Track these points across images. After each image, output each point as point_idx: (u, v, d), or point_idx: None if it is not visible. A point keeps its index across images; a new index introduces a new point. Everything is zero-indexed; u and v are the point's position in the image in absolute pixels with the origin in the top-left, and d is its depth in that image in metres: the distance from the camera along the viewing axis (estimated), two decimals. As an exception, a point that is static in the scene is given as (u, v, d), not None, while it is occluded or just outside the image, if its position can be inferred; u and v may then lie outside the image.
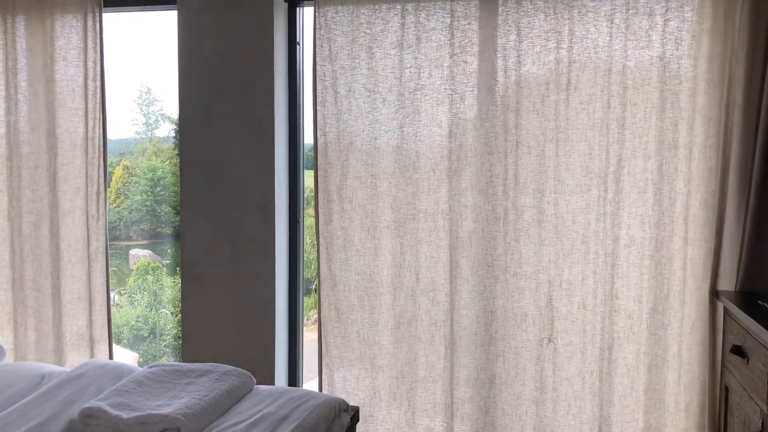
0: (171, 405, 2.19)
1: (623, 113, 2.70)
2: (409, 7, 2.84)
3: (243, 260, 3.13)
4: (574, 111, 2.74)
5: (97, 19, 3.18)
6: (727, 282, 2.67)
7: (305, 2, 3.11)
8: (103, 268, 3.26)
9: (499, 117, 2.81)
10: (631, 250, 2.75)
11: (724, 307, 2.55)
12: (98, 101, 3.21)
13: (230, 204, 3.12)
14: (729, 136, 2.61)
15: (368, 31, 2.88)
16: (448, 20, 2.81)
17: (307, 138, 3.22)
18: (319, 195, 2.99)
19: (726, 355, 2.53)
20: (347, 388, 3.05)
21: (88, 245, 3.28)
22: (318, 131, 2.96)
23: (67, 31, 3.23)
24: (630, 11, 2.66)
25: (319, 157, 2.98)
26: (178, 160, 3.21)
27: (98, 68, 3.19)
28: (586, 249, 2.79)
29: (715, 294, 2.65)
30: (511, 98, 2.79)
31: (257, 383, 2.59)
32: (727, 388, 2.54)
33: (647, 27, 2.66)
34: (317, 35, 2.92)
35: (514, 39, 2.75)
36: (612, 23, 2.68)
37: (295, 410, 2.27)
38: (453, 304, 2.92)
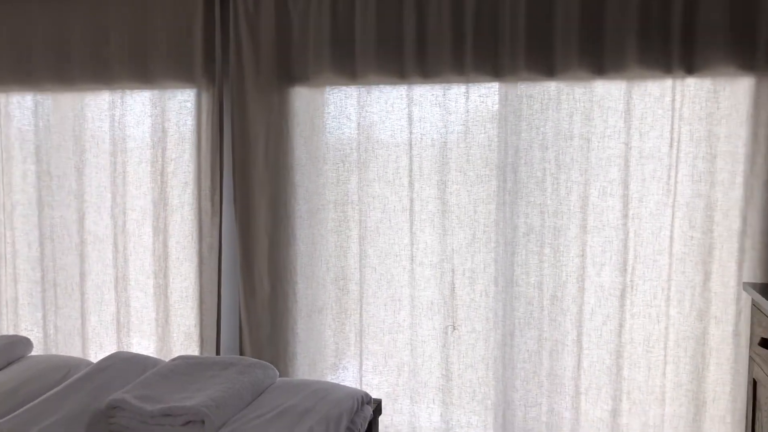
0: (195, 397, 2.20)
1: (519, 105, 2.79)
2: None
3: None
4: (474, 104, 2.83)
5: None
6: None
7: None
8: (216, 266, 3.07)
9: (404, 110, 2.90)
10: (529, 239, 2.83)
11: (752, 299, 2.44)
12: (214, 92, 3.02)
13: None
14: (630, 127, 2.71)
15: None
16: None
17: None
18: (236, 189, 3.07)
19: (754, 347, 2.40)
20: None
21: (200, 241, 3.09)
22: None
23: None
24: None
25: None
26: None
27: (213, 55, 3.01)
28: (487, 238, 2.87)
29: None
30: (415, 92, 2.88)
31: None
32: (755, 382, 2.41)
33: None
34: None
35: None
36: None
37: (318, 403, 2.29)
38: (362, 293, 3.00)
